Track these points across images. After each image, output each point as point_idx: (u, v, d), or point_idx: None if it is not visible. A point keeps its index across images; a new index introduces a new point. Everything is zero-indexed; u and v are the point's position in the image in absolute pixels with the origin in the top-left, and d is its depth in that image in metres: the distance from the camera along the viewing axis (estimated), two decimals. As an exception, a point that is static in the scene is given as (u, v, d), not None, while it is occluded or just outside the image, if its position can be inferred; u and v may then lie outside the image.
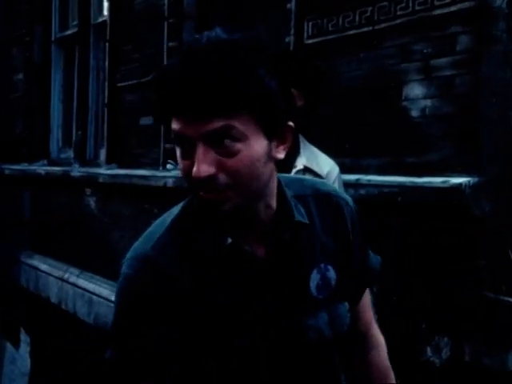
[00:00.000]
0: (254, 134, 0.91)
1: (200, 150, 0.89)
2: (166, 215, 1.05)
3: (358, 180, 2.87)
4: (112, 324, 1.01)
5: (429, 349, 2.65)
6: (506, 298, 2.34)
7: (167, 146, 4.36)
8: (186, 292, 0.96)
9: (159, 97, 0.92)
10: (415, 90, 2.75)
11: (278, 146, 0.96)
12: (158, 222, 1.05)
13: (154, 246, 0.99)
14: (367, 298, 1.21)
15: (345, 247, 1.09)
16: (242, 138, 0.89)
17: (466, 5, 2.55)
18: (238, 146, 0.89)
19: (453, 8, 2.59)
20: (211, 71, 0.86)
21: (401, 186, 2.71)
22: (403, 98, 2.79)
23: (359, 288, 1.16)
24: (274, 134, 0.94)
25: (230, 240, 0.97)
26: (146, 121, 4.64)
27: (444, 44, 2.63)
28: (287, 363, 1.02)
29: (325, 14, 3.14)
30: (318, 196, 1.09)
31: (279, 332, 1.01)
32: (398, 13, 2.78)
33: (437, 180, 2.58)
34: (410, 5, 2.73)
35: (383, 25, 2.85)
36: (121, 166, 4.96)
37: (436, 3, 2.64)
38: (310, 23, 3.22)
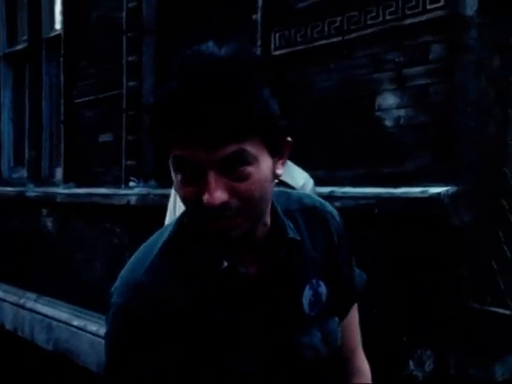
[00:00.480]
0: (261, 154, 0.89)
1: (212, 177, 0.86)
2: (152, 241, 1.00)
3: (331, 192, 2.82)
4: (106, 360, 0.96)
5: (411, 362, 2.61)
6: (492, 309, 2.32)
7: (129, 163, 4.24)
8: (179, 308, 0.93)
9: (165, 126, 0.86)
10: (388, 99, 2.72)
11: (277, 162, 0.94)
12: (144, 248, 1.00)
13: (146, 271, 0.94)
14: (355, 322, 1.18)
15: (333, 261, 1.07)
16: (253, 160, 0.87)
17: (437, 14, 2.55)
18: (250, 169, 0.87)
19: (424, 17, 2.58)
20: (223, 97, 0.82)
21: (377, 197, 2.67)
22: (376, 108, 2.76)
23: (346, 303, 1.14)
24: (276, 151, 0.92)
25: (225, 264, 0.95)
26: (105, 137, 4.51)
27: (416, 53, 2.62)
28: (283, 380, 1.00)
29: (292, 24, 3.10)
30: (304, 210, 1.07)
31: (273, 348, 0.99)
32: (369, 22, 2.76)
33: (415, 190, 2.55)
34: (381, 14, 2.71)
35: (353, 34, 2.83)
36: (79, 185, 4.83)
37: (407, 12, 2.63)
38: (277, 34, 3.17)
